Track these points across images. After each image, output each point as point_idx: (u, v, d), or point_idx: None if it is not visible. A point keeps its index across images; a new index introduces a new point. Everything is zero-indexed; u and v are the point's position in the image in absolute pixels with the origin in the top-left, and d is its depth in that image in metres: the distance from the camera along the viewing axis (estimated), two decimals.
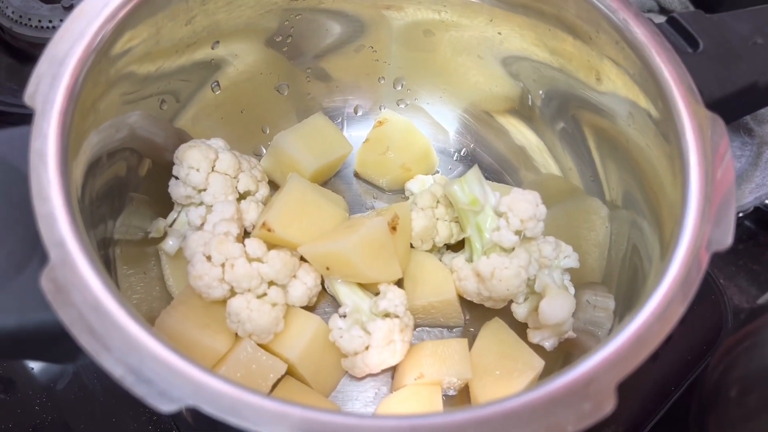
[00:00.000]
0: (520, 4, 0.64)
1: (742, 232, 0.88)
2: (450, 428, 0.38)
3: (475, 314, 0.70)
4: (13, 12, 0.85)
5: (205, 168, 0.66)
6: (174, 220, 0.68)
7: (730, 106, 0.57)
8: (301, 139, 0.74)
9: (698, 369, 0.74)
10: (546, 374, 0.64)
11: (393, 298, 0.64)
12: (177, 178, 0.66)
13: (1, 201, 0.47)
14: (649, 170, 0.58)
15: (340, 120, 0.81)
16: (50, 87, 0.47)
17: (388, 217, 0.65)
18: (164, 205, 0.69)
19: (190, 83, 0.67)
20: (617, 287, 0.64)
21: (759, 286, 0.84)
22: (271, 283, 0.63)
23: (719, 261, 0.86)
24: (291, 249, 0.64)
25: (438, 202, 0.70)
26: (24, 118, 0.46)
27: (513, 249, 0.65)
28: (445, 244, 0.71)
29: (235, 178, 0.68)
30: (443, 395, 0.64)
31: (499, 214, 0.65)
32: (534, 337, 0.66)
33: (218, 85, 0.71)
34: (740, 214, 0.87)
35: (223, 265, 0.60)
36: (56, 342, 0.43)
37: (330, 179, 0.79)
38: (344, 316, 0.65)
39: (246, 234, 0.68)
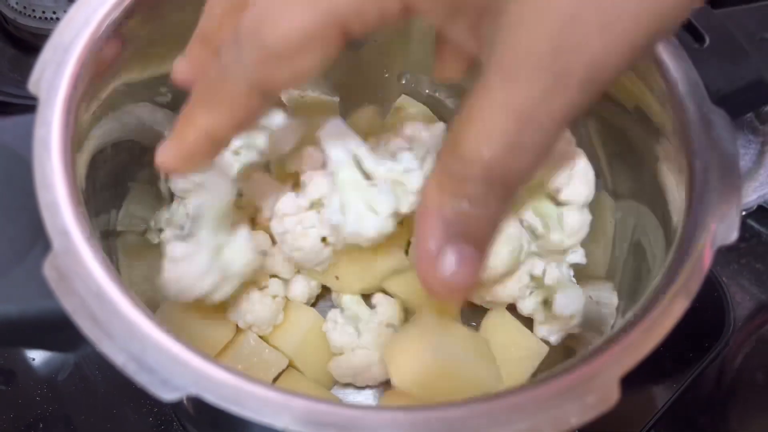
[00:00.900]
0: None
1: (745, 231, 0.88)
2: (453, 420, 0.38)
3: (475, 307, 0.70)
4: (16, 3, 0.85)
5: None
6: (175, 212, 0.68)
7: (736, 102, 0.57)
8: None
9: (700, 366, 0.74)
10: (547, 369, 0.64)
11: (384, 310, 0.64)
12: None
13: (4, 189, 0.47)
14: (653, 165, 0.58)
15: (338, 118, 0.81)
16: (55, 74, 0.47)
17: None
18: (169, 195, 0.69)
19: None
20: (621, 283, 0.64)
21: (762, 284, 0.84)
22: (273, 276, 0.63)
23: (722, 259, 0.86)
24: None
25: None
26: (28, 108, 0.46)
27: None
28: None
29: None
30: None
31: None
32: (540, 331, 0.66)
33: None
34: (743, 213, 0.87)
35: None
36: (58, 330, 0.43)
37: None
38: (342, 311, 0.65)
39: None
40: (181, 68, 0.48)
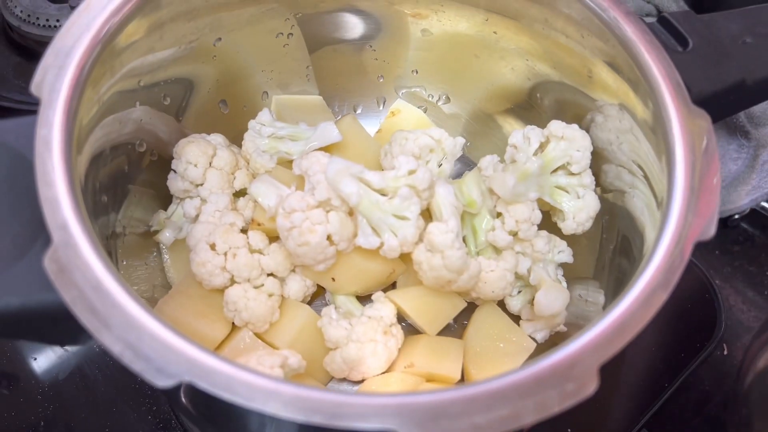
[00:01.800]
0: (513, 2, 0.65)
1: (738, 234, 0.89)
2: (437, 406, 0.39)
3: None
4: (21, 11, 0.87)
5: (202, 163, 0.67)
6: (173, 213, 0.70)
7: (718, 104, 0.58)
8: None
9: (692, 367, 0.75)
10: None
11: (380, 308, 0.65)
12: (175, 172, 0.68)
13: (7, 187, 0.48)
14: (638, 164, 0.60)
15: (339, 118, 0.83)
16: (56, 77, 0.49)
17: None
18: (166, 198, 0.71)
19: (192, 78, 0.69)
20: (607, 283, 0.65)
21: (755, 287, 0.85)
22: (269, 275, 0.65)
23: (715, 262, 0.87)
24: None
25: None
26: (31, 113, 0.48)
27: (506, 249, 0.67)
28: None
29: (232, 174, 0.70)
30: None
31: (495, 215, 0.67)
32: (526, 328, 0.67)
33: (220, 80, 0.72)
34: (736, 216, 0.88)
35: (225, 254, 0.62)
36: (58, 323, 0.45)
37: None
38: (337, 309, 0.66)
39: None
40: None
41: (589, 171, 0.66)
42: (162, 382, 0.39)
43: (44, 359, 0.72)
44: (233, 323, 0.64)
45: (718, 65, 0.59)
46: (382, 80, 0.81)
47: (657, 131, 0.54)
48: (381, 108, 0.83)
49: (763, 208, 0.88)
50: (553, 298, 0.62)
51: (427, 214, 0.64)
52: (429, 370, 0.64)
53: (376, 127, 0.81)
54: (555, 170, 0.66)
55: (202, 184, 0.68)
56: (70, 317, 0.41)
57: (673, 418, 0.75)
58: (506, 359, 0.64)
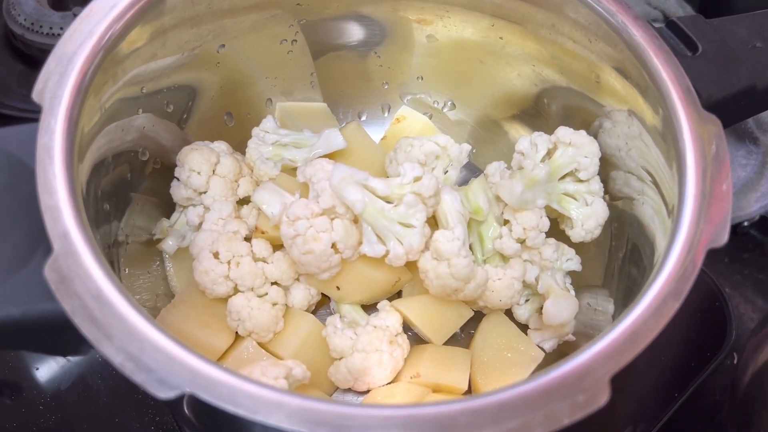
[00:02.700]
0: (519, 7, 0.65)
1: (747, 241, 0.88)
2: (444, 418, 0.39)
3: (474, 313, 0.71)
4: (24, 19, 0.87)
5: (206, 171, 0.67)
6: (176, 221, 0.69)
7: (728, 109, 0.58)
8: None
9: (702, 375, 0.74)
10: None
11: (386, 317, 0.64)
12: (178, 179, 0.68)
13: (8, 195, 0.48)
14: (648, 170, 0.59)
15: (344, 125, 0.82)
16: (58, 84, 0.48)
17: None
18: (169, 206, 0.70)
19: (195, 86, 0.69)
20: (616, 291, 0.64)
21: (764, 295, 0.84)
22: (273, 284, 0.64)
23: (725, 270, 0.86)
24: None
25: None
26: (34, 122, 0.48)
27: (513, 257, 0.66)
28: None
29: (235, 182, 0.69)
30: None
31: (502, 222, 0.66)
32: (535, 338, 0.66)
33: (223, 87, 0.72)
34: (746, 223, 0.87)
35: (229, 263, 0.61)
36: (59, 333, 0.44)
37: None
38: (342, 318, 0.66)
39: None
40: None
41: (598, 178, 0.65)
42: (164, 393, 0.39)
43: (47, 369, 0.72)
44: (237, 333, 0.63)
45: (728, 70, 0.58)
46: (386, 87, 0.80)
47: (667, 137, 0.54)
48: (386, 115, 0.82)
49: None
50: (562, 307, 0.61)
51: (433, 222, 0.64)
52: (435, 380, 0.63)
53: (381, 134, 0.80)
54: (563, 177, 0.66)
55: (205, 192, 0.67)
56: (72, 327, 0.41)
57: (684, 428, 0.74)
58: (514, 369, 0.63)
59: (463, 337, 0.69)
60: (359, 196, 0.58)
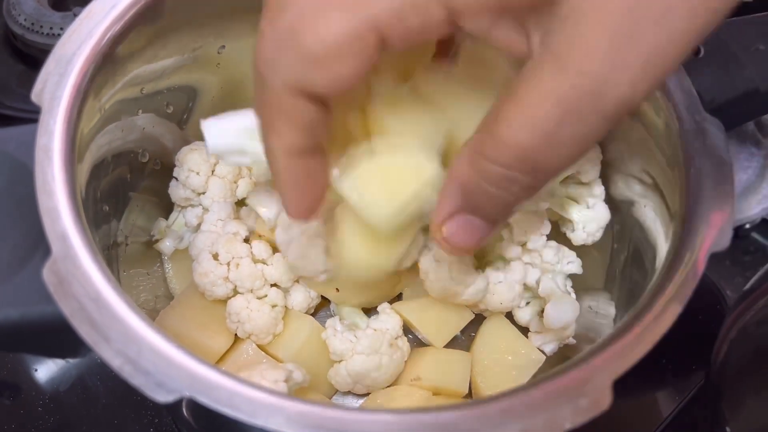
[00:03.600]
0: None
1: (749, 244, 0.88)
2: (444, 424, 0.38)
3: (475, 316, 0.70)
4: (24, 19, 0.87)
5: (204, 171, 0.66)
6: (174, 222, 0.69)
7: (731, 112, 0.57)
8: None
9: (704, 379, 0.74)
10: None
11: (386, 320, 0.64)
12: (177, 180, 0.67)
13: (7, 197, 0.47)
14: (650, 174, 0.59)
15: None
16: (57, 85, 0.48)
17: None
18: (168, 206, 0.70)
19: (195, 86, 0.68)
20: (618, 294, 0.64)
21: None
22: (273, 285, 0.64)
23: (726, 273, 0.86)
24: None
25: None
26: (33, 123, 0.47)
27: (514, 260, 0.66)
28: None
29: (234, 183, 0.69)
30: None
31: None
32: (535, 341, 0.66)
33: (224, 88, 0.71)
34: (747, 226, 0.87)
35: (228, 264, 0.61)
36: (57, 335, 0.44)
37: None
38: (342, 320, 0.65)
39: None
40: None
41: (599, 181, 0.65)
42: (162, 397, 0.39)
43: (45, 370, 0.72)
44: (236, 335, 0.63)
45: (731, 73, 0.58)
46: None
47: (669, 140, 0.53)
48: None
49: None
50: (563, 310, 0.61)
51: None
52: (436, 383, 0.63)
53: None
54: (564, 180, 0.65)
55: (204, 193, 0.67)
56: (70, 330, 0.41)
57: (687, 429, 0.74)
58: (515, 372, 0.63)
59: (463, 340, 0.69)
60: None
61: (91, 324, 0.40)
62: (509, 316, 0.68)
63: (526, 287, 0.65)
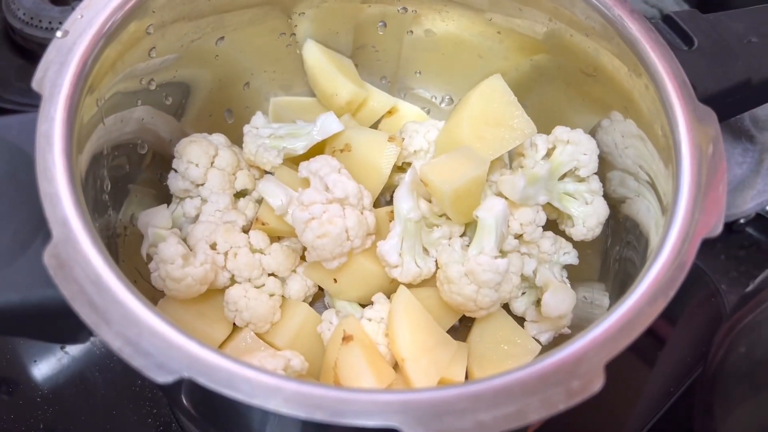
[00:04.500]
0: (517, 1, 0.65)
1: (744, 239, 0.89)
2: (441, 403, 0.39)
3: None
4: (24, 14, 0.87)
5: (204, 163, 0.67)
6: (172, 213, 0.69)
7: (724, 103, 0.58)
8: None
9: (697, 371, 0.74)
10: None
11: (381, 309, 0.64)
12: (176, 171, 0.68)
13: (8, 183, 0.48)
14: (644, 169, 0.59)
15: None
16: (58, 73, 0.49)
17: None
18: (167, 198, 0.70)
19: (194, 78, 0.69)
20: (612, 285, 0.65)
21: None
22: (270, 275, 0.64)
23: (721, 267, 0.87)
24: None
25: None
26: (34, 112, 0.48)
27: (511, 252, 0.66)
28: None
29: (233, 175, 0.69)
30: None
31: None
32: (531, 330, 0.66)
33: (222, 80, 0.72)
34: (742, 221, 0.87)
35: (226, 254, 0.62)
36: (58, 319, 0.44)
37: None
38: (337, 313, 0.66)
39: None
40: None
41: (597, 177, 0.66)
42: (162, 378, 0.39)
43: (44, 362, 0.72)
44: (234, 324, 0.63)
45: (724, 64, 0.59)
46: (384, 82, 0.80)
47: (663, 129, 0.54)
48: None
49: None
50: (561, 299, 0.62)
51: None
52: None
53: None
54: (563, 177, 0.66)
55: (202, 184, 0.67)
56: (71, 314, 0.41)
57: (679, 424, 0.74)
58: (511, 361, 0.63)
59: (460, 329, 0.69)
60: (413, 204, 0.62)
61: (91, 306, 0.41)
62: (505, 306, 0.68)
63: (523, 277, 0.66)
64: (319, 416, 0.38)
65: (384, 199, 0.74)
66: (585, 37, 0.62)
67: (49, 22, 0.87)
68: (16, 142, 0.49)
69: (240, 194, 0.71)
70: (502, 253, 0.66)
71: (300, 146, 0.68)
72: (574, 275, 0.69)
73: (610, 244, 0.67)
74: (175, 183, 0.68)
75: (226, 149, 0.69)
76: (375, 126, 0.79)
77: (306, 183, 0.63)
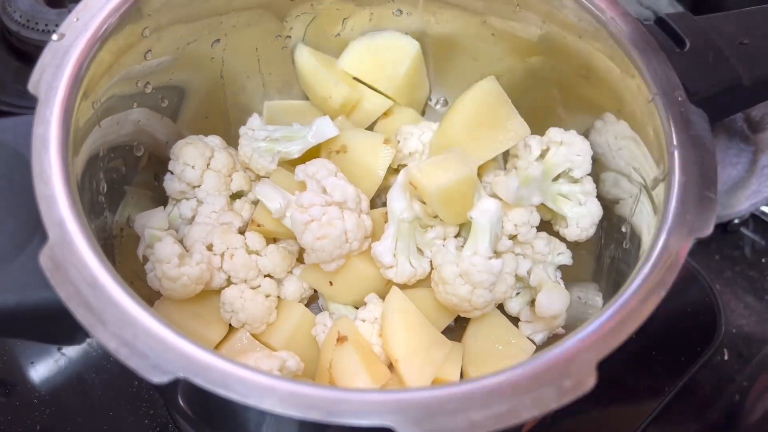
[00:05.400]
0: (512, 4, 0.66)
1: (738, 239, 0.89)
2: (434, 403, 0.39)
3: None
4: (20, 16, 0.88)
5: (200, 165, 0.67)
6: (169, 214, 0.69)
7: (716, 104, 0.58)
8: None
9: (691, 371, 0.75)
10: None
11: (374, 310, 0.65)
12: (172, 173, 0.68)
13: (4, 185, 0.48)
14: (636, 168, 0.60)
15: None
16: (53, 76, 0.49)
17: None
18: (163, 199, 0.71)
19: (190, 80, 0.69)
20: (606, 286, 0.65)
21: (755, 292, 0.85)
22: (266, 276, 0.65)
23: (715, 267, 0.87)
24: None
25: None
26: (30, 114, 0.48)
27: (506, 252, 0.67)
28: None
29: (229, 176, 0.69)
30: None
31: None
32: (525, 330, 0.67)
33: (218, 82, 0.72)
34: (736, 221, 0.88)
35: (222, 255, 0.62)
36: (54, 321, 0.45)
37: None
38: (331, 315, 0.66)
39: None
40: None
41: (590, 178, 0.66)
42: (158, 378, 0.39)
43: (41, 364, 0.72)
44: (230, 325, 0.64)
45: (716, 66, 0.59)
46: None
47: (655, 131, 0.54)
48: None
49: (763, 212, 0.88)
50: (555, 298, 0.62)
51: None
52: None
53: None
54: (556, 178, 0.67)
55: (199, 186, 0.68)
56: (67, 315, 0.41)
57: (674, 423, 0.75)
58: (505, 362, 0.63)
59: (455, 330, 0.70)
60: (406, 204, 0.62)
61: (87, 308, 0.41)
62: (500, 306, 0.69)
63: (517, 278, 0.66)
64: (314, 416, 0.38)
65: (380, 200, 0.74)
66: (578, 39, 0.62)
67: (46, 25, 0.87)
68: (12, 144, 0.49)
69: (236, 196, 0.71)
70: (497, 254, 0.67)
71: (295, 150, 0.68)
72: (568, 275, 0.69)
73: (603, 244, 0.68)
74: (171, 185, 0.68)
75: (222, 151, 0.69)
76: (371, 127, 0.79)
77: (303, 186, 0.64)
